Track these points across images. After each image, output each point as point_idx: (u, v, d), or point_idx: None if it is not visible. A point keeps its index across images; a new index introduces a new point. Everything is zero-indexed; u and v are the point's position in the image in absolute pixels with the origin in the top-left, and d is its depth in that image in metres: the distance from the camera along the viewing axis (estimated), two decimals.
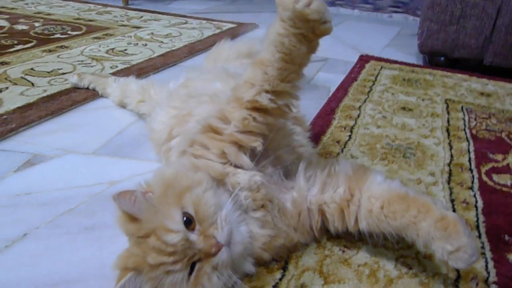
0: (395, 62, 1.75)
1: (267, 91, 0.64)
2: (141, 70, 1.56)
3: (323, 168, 0.73)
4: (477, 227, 0.80)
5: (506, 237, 0.77)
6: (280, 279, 0.67)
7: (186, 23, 2.37)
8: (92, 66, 1.60)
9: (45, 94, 1.31)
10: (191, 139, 0.71)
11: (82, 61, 1.65)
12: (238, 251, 0.62)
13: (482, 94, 1.46)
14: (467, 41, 1.58)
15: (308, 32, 0.61)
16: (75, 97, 1.31)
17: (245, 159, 0.66)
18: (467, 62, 1.68)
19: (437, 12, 1.59)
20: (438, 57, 1.72)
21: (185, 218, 0.59)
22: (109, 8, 2.68)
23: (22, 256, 0.70)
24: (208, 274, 0.60)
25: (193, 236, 0.59)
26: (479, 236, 0.77)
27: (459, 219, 0.60)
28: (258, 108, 0.65)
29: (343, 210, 0.69)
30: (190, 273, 0.59)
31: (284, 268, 0.69)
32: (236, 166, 0.66)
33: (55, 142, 1.07)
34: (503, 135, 1.17)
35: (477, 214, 0.83)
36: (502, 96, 1.44)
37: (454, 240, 0.58)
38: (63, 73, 1.51)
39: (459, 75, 1.62)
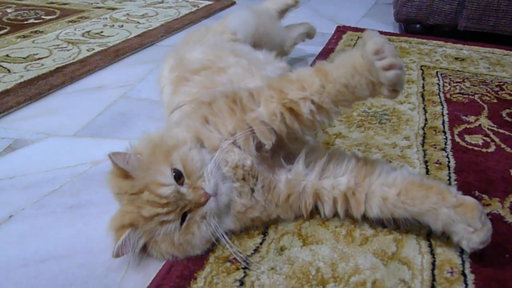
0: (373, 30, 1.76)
1: (313, 102, 0.65)
2: (118, 52, 1.55)
3: (323, 155, 0.74)
4: (449, 185, 0.84)
5: (477, 193, 0.81)
6: (261, 243, 0.70)
7: (162, 2, 2.34)
8: (68, 50, 1.58)
9: (22, 80, 1.30)
10: (212, 97, 0.72)
11: (58, 45, 1.63)
12: (224, 201, 0.67)
13: (456, 59, 1.49)
14: (441, 7, 1.60)
15: (377, 85, 0.62)
16: (53, 81, 1.30)
17: (251, 147, 0.68)
18: (442, 28, 1.70)
19: None
20: (414, 25, 1.74)
21: (174, 173, 0.64)
22: None
23: (10, 236, 0.72)
24: (197, 223, 0.65)
25: (183, 189, 0.64)
26: None
27: (479, 204, 0.64)
28: (293, 111, 0.66)
29: (347, 198, 0.70)
30: (181, 223, 0.64)
31: (264, 233, 0.72)
32: (233, 143, 0.68)
33: (36, 126, 1.07)
34: (476, 97, 1.21)
35: (449, 173, 0.87)
36: (476, 60, 1.48)
37: (473, 223, 0.62)
38: (39, 58, 1.49)
39: (434, 41, 1.64)
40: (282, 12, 1.40)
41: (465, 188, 0.82)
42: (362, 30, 1.78)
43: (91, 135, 1.04)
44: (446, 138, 0.99)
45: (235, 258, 0.66)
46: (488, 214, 0.75)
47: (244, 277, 0.63)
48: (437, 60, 1.48)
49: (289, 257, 0.67)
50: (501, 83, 1.29)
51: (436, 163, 0.90)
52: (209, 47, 1.00)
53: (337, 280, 0.62)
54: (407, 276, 0.63)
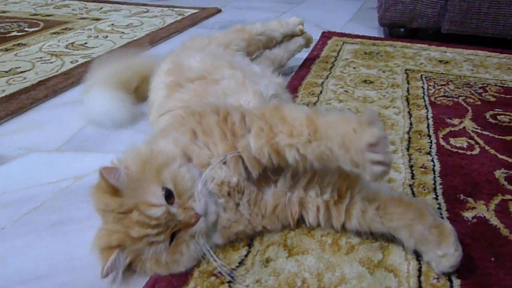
0: (357, 36, 1.77)
1: (298, 151, 0.64)
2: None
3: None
4: (434, 189, 0.84)
5: (462, 197, 0.81)
6: (246, 255, 0.69)
7: (147, 11, 2.33)
8: (51, 62, 1.56)
9: (3, 95, 1.28)
10: (203, 109, 0.71)
11: (41, 57, 1.61)
12: (213, 220, 0.67)
13: (440, 61, 1.50)
14: (424, 11, 1.62)
15: (360, 169, 0.59)
16: (35, 95, 1.28)
17: (240, 169, 0.67)
18: (426, 31, 1.72)
19: None
20: (398, 29, 1.76)
21: (165, 193, 0.63)
22: (67, 1, 2.60)
23: None
24: (186, 242, 0.64)
25: (174, 209, 0.63)
26: (436, 198, 0.81)
27: (454, 231, 0.64)
28: (279, 153, 0.65)
29: (329, 208, 0.71)
30: (170, 242, 0.63)
31: (250, 245, 0.71)
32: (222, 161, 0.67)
33: (17, 142, 1.05)
34: (460, 99, 1.21)
35: (434, 177, 0.87)
36: (460, 62, 1.49)
37: (445, 248, 0.62)
38: (22, 72, 1.47)
39: (419, 44, 1.66)
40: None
41: (450, 192, 0.83)
42: (347, 35, 1.80)
43: (74, 149, 1.03)
44: (431, 142, 1.00)
45: (219, 272, 0.65)
46: (473, 217, 0.76)
47: None
48: (421, 63, 1.49)
49: (275, 268, 0.66)
50: (485, 85, 1.30)
51: (422, 167, 0.90)
52: (207, 56, 1.00)
53: None
54: (393, 283, 0.63)
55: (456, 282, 0.63)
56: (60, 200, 0.84)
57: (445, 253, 0.62)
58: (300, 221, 0.74)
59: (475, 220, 0.75)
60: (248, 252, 0.70)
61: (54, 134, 1.09)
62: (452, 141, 1.00)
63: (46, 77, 1.41)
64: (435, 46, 1.63)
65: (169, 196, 0.63)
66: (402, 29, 1.74)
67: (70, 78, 1.40)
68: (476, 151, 0.96)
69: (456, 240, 0.63)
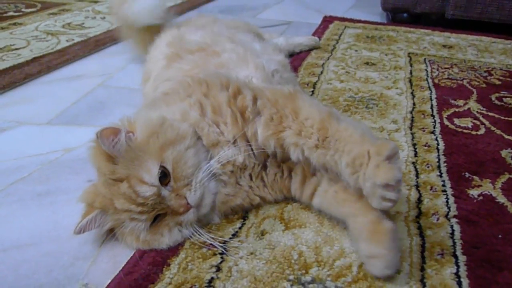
0: (359, 21, 1.73)
1: (303, 152, 0.62)
2: (99, 42, 1.50)
3: None
4: (438, 167, 0.80)
5: (467, 175, 0.78)
6: (240, 228, 0.66)
7: None
8: (47, 41, 1.52)
9: None
10: (211, 79, 0.68)
11: (36, 36, 1.57)
12: (205, 212, 0.63)
13: (444, 46, 1.46)
14: None
15: (365, 195, 0.57)
16: (29, 70, 1.24)
17: (249, 153, 0.65)
18: (429, 16, 1.68)
19: None
20: (401, 14, 1.72)
21: (161, 172, 0.59)
22: None
23: None
24: (169, 227, 0.61)
25: (165, 192, 0.59)
26: (440, 175, 0.78)
27: (393, 231, 0.56)
28: (284, 149, 0.64)
29: (305, 180, 0.67)
30: (152, 223, 0.60)
31: (244, 218, 0.68)
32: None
33: (7, 115, 1.02)
34: (465, 82, 1.18)
35: (438, 155, 0.84)
36: (464, 47, 1.45)
37: (375, 247, 0.55)
38: (16, 49, 1.43)
39: (422, 30, 1.62)
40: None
41: (455, 169, 0.79)
42: (349, 20, 1.76)
43: (66, 122, 0.99)
44: (434, 122, 0.96)
45: (212, 244, 0.61)
46: (479, 195, 0.73)
47: (221, 262, 0.59)
48: (424, 47, 1.45)
49: (270, 241, 0.63)
50: (490, 69, 1.27)
51: (425, 145, 0.87)
52: (209, 33, 0.98)
53: (320, 264, 0.59)
54: None
55: (462, 258, 0.60)
56: (48, 171, 0.81)
57: (376, 254, 0.55)
58: None
59: (481, 197, 0.72)
60: (243, 224, 0.66)
61: (46, 108, 1.05)
62: (456, 121, 0.97)
63: (40, 54, 1.37)
64: (438, 32, 1.60)
65: (165, 176, 0.60)
66: (405, 14, 1.70)
67: (65, 55, 1.37)
68: (482, 131, 0.93)
69: (392, 241, 0.55)
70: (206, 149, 0.65)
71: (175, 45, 0.93)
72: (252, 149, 0.65)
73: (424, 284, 0.56)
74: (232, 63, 0.82)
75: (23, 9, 1.98)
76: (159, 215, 0.60)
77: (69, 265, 0.60)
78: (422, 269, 0.58)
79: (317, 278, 0.57)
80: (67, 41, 1.52)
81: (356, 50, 1.41)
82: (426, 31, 1.61)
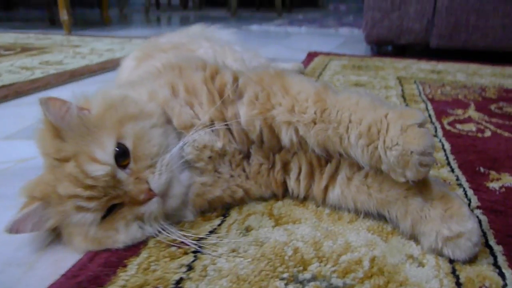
0: (344, 55, 1.72)
1: (297, 132, 0.52)
2: (75, 73, 1.43)
3: None
4: (448, 164, 0.71)
5: (482, 169, 0.68)
6: (219, 225, 0.53)
7: (130, 41, 2.29)
8: (20, 73, 1.45)
9: None
10: (185, 62, 0.59)
11: (10, 70, 1.50)
12: (173, 205, 0.51)
13: (432, 71, 1.43)
14: (411, 26, 1.59)
15: (388, 168, 0.48)
16: None
17: (230, 139, 0.55)
18: (414, 48, 1.68)
19: (378, 0, 1.60)
20: (386, 47, 1.72)
21: (118, 149, 0.48)
22: (50, 35, 2.56)
23: None
24: (127, 221, 0.48)
25: (123, 175, 0.47)
26: (452, 171, 0.68)
27: (463, 202, 0.48)
28: (273, 131, 0.54)
29: (312, 170, 0.56)
30: (104, 216, 0.47)
31: (225, 215, 0.55)
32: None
33: None
34: (460, 96, 1.12)
35: (446, 154, 0.75)
36: (453, 72, 1.42)
37: (456, 224, 0.45)
38: None
39: (408, 60, 1.60)
40: None
41: (467, 166, 0.70)
42: (334, 54, 1.75)
43: (25, 137, 0.88)
44: (435, 128, 0.88)
45: (183, 242, 0.48)
46: (501, 187, 0.62)
47: (193, 261, 0.46)
48: (413, 72, 1.42)
49: (257, 238, 0.50)
50: (483, 87, 1.22)
51: None
52: (185, 37, 0.91)
53: (322, 260, 0.46)
54: (415, 251, 0.47)
55: (498, 248, 0.48)
56: None
57: (459, 232, 0.44)
58: (288, 195, 0.59)
59: (503, 189, 0.62)
60: (223, 221, 0.54)
61: (7, 126, 0.95)
62: (458, 126, 0.89)
63: (10, 83, 1.29)
64: (425, 61, 1.58)
65: (123, 155, 0.48)
66: (389, 47, 1.70)
67: (36, 83, 1.28)
68: (488, 133, 0.85)
69: (470, 213, 0.46)
70: (177, 134, 0.53)
71: (146, 48, 0.86)
72: (231, 134, 0.55)
73: (457, 277, 0.43)
74: (208, 57, 0.75)
75: (2, 52, 1.93)
76: (114, 207, 0.48)
77: None
78: (451, 260, 0.46)
79: (318, 275, 0.44)
80: (42, 73, 1.45)
81: (343, 76, 1.36)
82: (412, 60, 1.59)
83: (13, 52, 1.94)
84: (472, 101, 1.08)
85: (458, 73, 1.42)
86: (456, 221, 0.45)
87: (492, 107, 1.02)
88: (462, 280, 0.43)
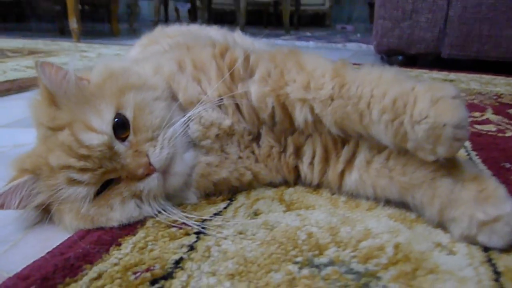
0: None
1: (312, 110, 0.48)
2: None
3: None
4: (470, 159, 0.66)
5: (507, 165, 0.64)
6: (225, 208, 0.48)
7: None
8: (25, 71, 1.43)
9: None
10: (195, 42, 0.56)
11: (15, 69, 1.49)
12: (175, 184, 0.47)
13: (445, 80, 1.40)
14: (422, 35, 1.56)
15: (416, 146, 0.43)
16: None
17: (239, 117, 0.51)
18: (425, 58, 1.65)
19: (389, 9, 1.58)
20: (396, 57, 1.69)
21: (117, 120, 0.44)
22: (58, 42, 2.56)
23: None
24: (123, 197, 0.44)
25: (120, 147, 0.43)
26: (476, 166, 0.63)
27: (499, 183, 0.43)
28: (286, 109, 0.50)
29: (327, 153, 0.52)
30: (99, 193, 0.43)
31: (231, 199, 0.51)
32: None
33: None
34: (475, 101, 1.08)
35: (467, 151, 0.70)
36: (466, 81, 1.39)
37: (492, 207, 0.40)
38: None
39: (420, 70, 1.57)
40: None
41: (492, 161, 0.65)
42: None
43: (24, 126, 0.85)
44: None
45: (184, 223, 0.44)
46: None
47: (196, 241, 0.41)
48: (425, 80, 1.38)
49: (267, 221, 0.45)
50: (498, 94, 1.18)
51: None
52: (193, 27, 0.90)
53: (340, 245, 0.41)
54: (444, 239, 0.42)
55: None
56: None
57: (496, 216, 0.39)
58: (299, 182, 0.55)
59: None
60: (229, 204, 0.49)
61: (7, 116, 0.93)
62: (477, 126, 0.85)
63: (14, 78, 1.27)
64: (436, 71, 1.55)
65: (123, 127, 0.44)
66: (400, 57, 1.67)
67: None
68: (509, 133, 0.80)
69: (507, 195, 0.41)
70: (183, 110, 0.49)
71: (152, 36, 0.84)
72: (241, 113, 0.51)
73: (494, 266, 0.38)
74: (218, 39, 0.72)
75: (9, 54, 1.93)
76: (109, 182, 0.43)
77: None
78: (486, 249, 0.40)
79: (336, 260, 0.39)
80: None
81: None
82: (423, 70, 1.56)
83: (20, 54, 1.94)
84: (489, 105, 1.04)
85: (471, 82, 1.38)
86: (493, 204, 0.40)
87: (511, 111, 0.98)
88: (500, 269, 0.38)
